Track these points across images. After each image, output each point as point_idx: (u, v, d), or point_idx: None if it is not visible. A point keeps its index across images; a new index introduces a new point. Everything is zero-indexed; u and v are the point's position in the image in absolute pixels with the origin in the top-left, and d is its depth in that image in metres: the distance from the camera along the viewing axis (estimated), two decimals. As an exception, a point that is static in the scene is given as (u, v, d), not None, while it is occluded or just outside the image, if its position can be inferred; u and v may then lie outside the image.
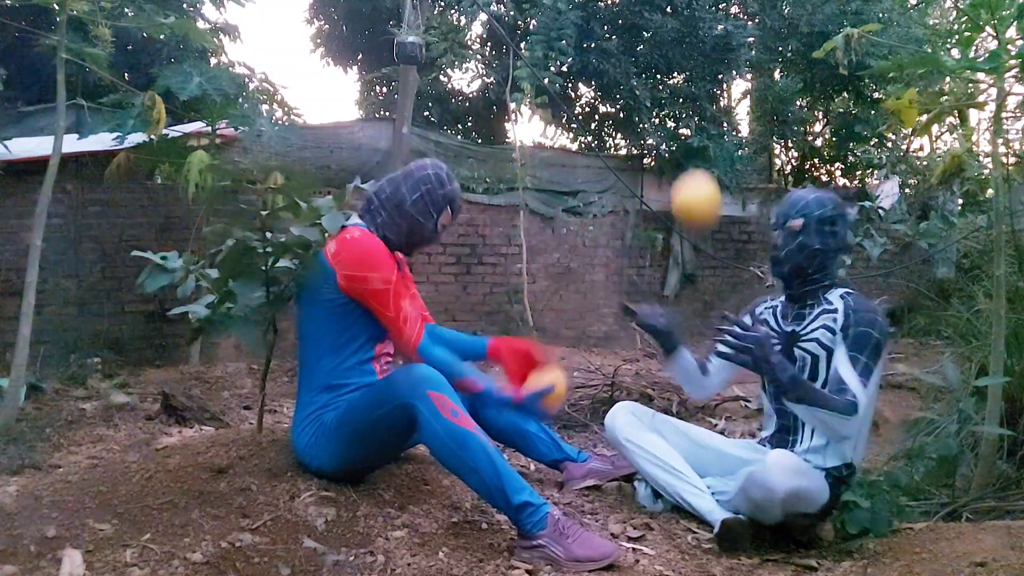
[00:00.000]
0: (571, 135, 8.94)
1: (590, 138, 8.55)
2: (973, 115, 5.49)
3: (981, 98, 2.18)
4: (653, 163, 7.27)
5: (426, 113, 8.74)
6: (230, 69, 4.54)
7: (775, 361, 1.83)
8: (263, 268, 1.99)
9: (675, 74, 7.81)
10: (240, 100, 4.28)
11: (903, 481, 2.06)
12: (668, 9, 7.23)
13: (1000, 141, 2.11)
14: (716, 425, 3.25)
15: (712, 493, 2.05)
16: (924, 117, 2.21)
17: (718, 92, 7.96)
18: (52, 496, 1.77)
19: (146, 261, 2.05)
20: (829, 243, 2.00)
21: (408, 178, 2.10)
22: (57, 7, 2.99)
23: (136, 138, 4.09)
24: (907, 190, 7.42)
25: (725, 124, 7.41)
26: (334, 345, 2.01)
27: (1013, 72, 1.98)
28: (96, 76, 3.80)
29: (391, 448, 2.04)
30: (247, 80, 4.32)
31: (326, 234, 2.00)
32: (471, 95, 9.22)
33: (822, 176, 9.00)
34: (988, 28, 1.96)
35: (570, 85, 8.09)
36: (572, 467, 2.35)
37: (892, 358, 5.03)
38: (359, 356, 2.03)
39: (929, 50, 6.07)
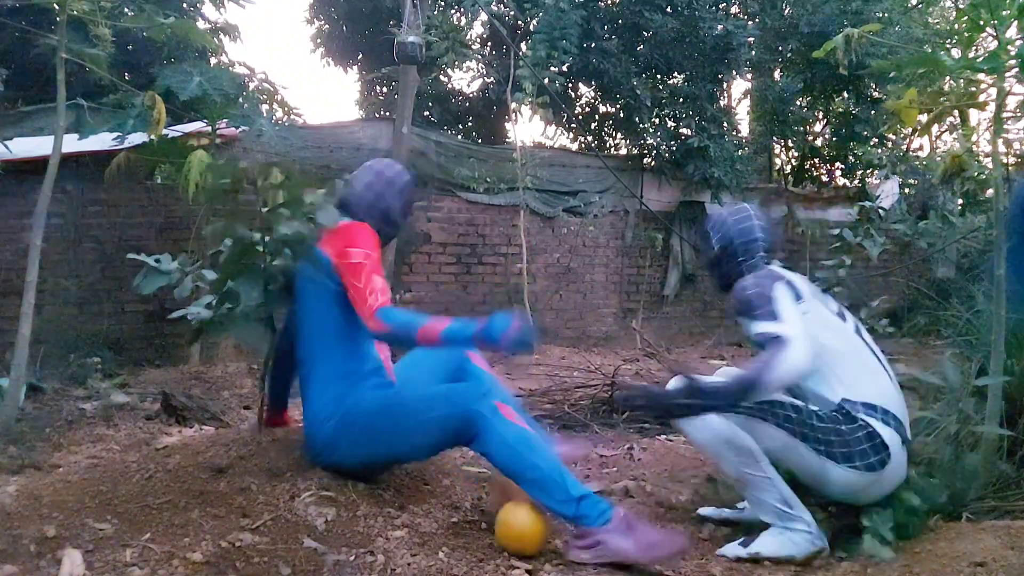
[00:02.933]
0: (571, 135, 8.95)
1: (590, 138, 8.56)
2: (973, 115, 5.49)
3: (981, 98, 2.18)
4: (653, 163, 7.27)
5: (426, 113, 8.74)
6: (230, 69, 4.54)
7: (670, 398, 1.81)
8: (262, 266, 1.99)
9: (675, 74, 7.81)
10: (240, 100, 4.28)
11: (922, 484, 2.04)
12: (668, 9, 7.23)
13: (1000, 141, 2.11)
14: None
15: None
16: (924, 117, 2.21)
17: (718, 92, 7.96)
18: (52, 496, 1.77)
19: (143, 263, 2.05)
20: (710, 253, 2.16)
21: (390, 186, 2.18)
22: (57, 7, 2.99)
23: (136, 138, 4.09)
24: (907, 190, 7.42)
25: (725, 124, 7.41)
26: (341, 333, 2.01)
27: (1013, 72, 1.98)
28: (96, 76, 3.80)
29: (427, 450, 2.02)
30: (247, 80, 4.32)
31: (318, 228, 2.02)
32: (471, 95, 9.23)
33: (822, 176, 9.00)
34: (988, 28, 1.96)
35: (570, 85, 8.09)
36: None
37: (892, 358, 5.03)
38: (365, 339, 2.03)
39: (929, 50, 6.06)
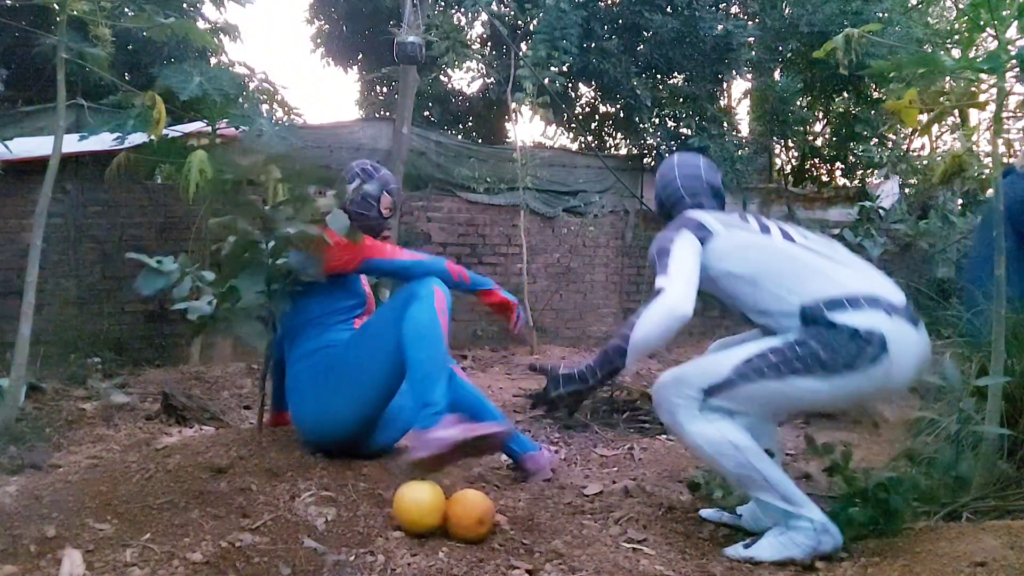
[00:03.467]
0: (571, 135, 8.95)
1: (590, 138, 8.56)
2: (973, 115, 5.50)
3: (981, 98, 2.18)
4: (653, 163, 7.27)
5: (426, 113, 8.75)
6: (230, 69, 4.55)
7: (549, 393, 1.88)
8: (265, 263, 2.00)
9: (675, 74, 7.82)
10: (240, 100, 4.29)
11: (922, 484, 2.04)
12: (668, 9, 7.24)
13: (1000, 141, 2.11)
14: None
15: None
16: (924, 117, 2.21)
17: (718, 92, 7.97)
18: (52, 496, 1.77)
19: (143, 264, 2.06)
20: (660, 195, 2.17)
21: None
22: (57, 7, 2.99)
23: (136, 138, 4.09)
24: (907, 190, 7.42)
25: (725, 124, 7.42)
26: (318, 314, 2.20)
27: (1013, 72, 1.98)
28: (96, 76, 3.81)
29: (388, 382, 2.11)
30: (247, 80, 4.33)
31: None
32: (471, 95, 9.23)
33: (822, 176, 9.01)
34: (988, 28, 1.96)
35: (570, 85, 8.10)
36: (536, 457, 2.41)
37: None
38: (343, 318, 2.24)
39: (929, 50, 6.07)
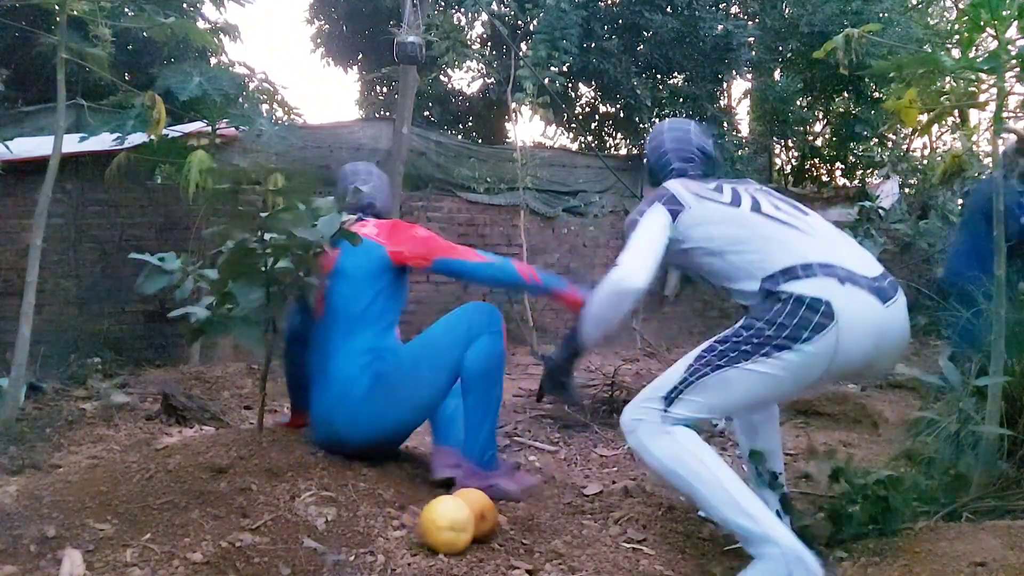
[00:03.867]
0: (571, 135, 8.95)
1: (590, 138, 8.56)
2: (973, 115, 5.50)
3: (981, 98, 2.18)
4: (653, 163, 7.26)
5: (426, 113, 8.75)
6: (230, 69, 4.55)
7: (562, 360, 1.99)
8: (263, 269, 1.99)
9: (675, 74, 7.82)
10: (240, 100, 4.29)
11: (921, 484, 2.04)
12: (668, 9, 7.24)
13: (1000, 141, 2.11)
14: (716, 426, 3.25)
15: None
16: (924, 117, 2.21)
17: (718, 92, 7.97)
18: (52, 496, 1.77)
19: (143, 264, 2.06)
20: (650, 161, 2.18)
21: (387, 184, 2.56)
22: (57, 7, 2.99)
23: (136, 138, 4.09)
24: (907, 190, 7.42)
25: (725, 124, 7.42)
26: (382, 310, 2.16)
27: (1013, 72, 1.98)
28: (96, 76, 3.81)
29: (439, 401, 2.17)
30: (247, 80, 4.33)
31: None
32: (471, 95, 9.23)
33: (822, 176, 9.01)
34: (988, 28, 1.96)
35: (570, 85, 8.10)
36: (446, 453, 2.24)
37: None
38: (395, 320, 2.23)
39: (929, 50, 6.07)
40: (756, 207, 1.86)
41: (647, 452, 1.71)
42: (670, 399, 1.71)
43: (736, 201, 1.88)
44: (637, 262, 1.79)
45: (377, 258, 2.14)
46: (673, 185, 1.95)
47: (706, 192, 1.91)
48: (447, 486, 2.03)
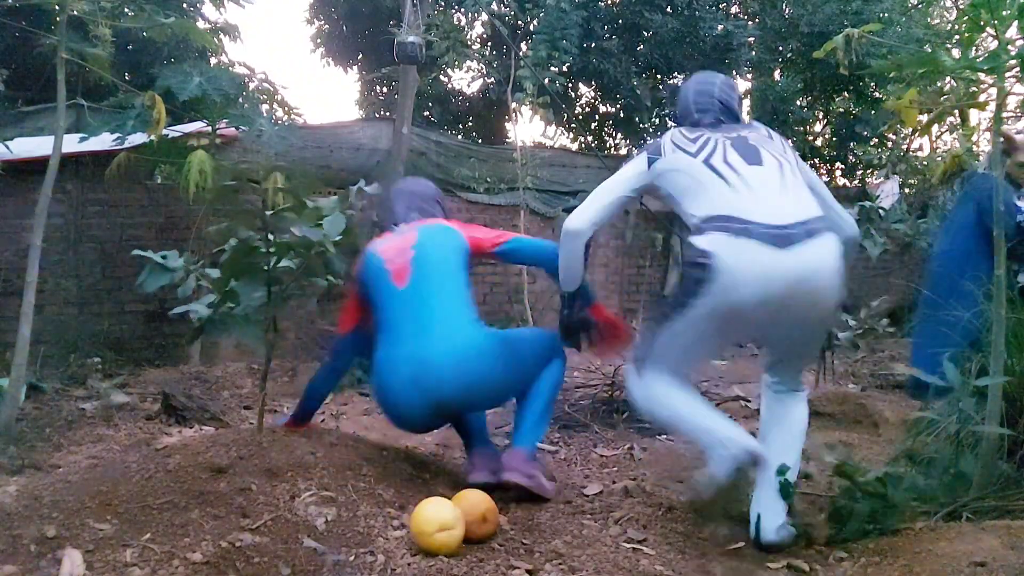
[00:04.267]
0: (571, 135, 8.95)
1: (590, 138, 8.56)
2: (973, 115, 5.50)
3: (981, 98, 2.18)
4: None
5: (426, 113, 8.75)
6: (230, 69, 4.55)
7: (563, 315, 2.26)
8: (265, 268, 2.00)
9: (675, 74, 7.82)
10: (240, 100, 4.28)
11: (921, 484, 2.04)
12: (668, 9, 7.24)
13: (1000, 141, 2.11)
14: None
15: None
16: (925, 117, 2.21)
17: (718, 92, 7.96)
18: (52, 496, 1.77)
19: (146, 261, 2.06)
20: (678, 109, 2.24)
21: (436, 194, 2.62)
22: (57, 7, 2.99)
23: (136, 138, 4.09)
24: (907, 190, 7.42)
25: (725, 124, 7.40)
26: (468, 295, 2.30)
27: (1013, 72, 1.98)
28: (96, 76, 3.80)
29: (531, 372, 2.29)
30: (247, 80, 4.32)
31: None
32: (472, 95, 9.24)
33: (822, 176, 9.01)
34: (988, 28, 1.96)
35: (570, 85, 8.10)
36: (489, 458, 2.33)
37: (892, 358, 5.03)
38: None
39: (929, 50, 6.07)
40: (708, 157, 1.94)
41: (633, 397, 2.04)
42: (639, 362, 1.99)
43: (698, 151, 1.97)
44: (581, 211, 2.04)
45: (458, 240, 2.31)
46: (666, 135, 2.07)
47: (682, 141, 2.01)
48: (489, 489, 2.03)
